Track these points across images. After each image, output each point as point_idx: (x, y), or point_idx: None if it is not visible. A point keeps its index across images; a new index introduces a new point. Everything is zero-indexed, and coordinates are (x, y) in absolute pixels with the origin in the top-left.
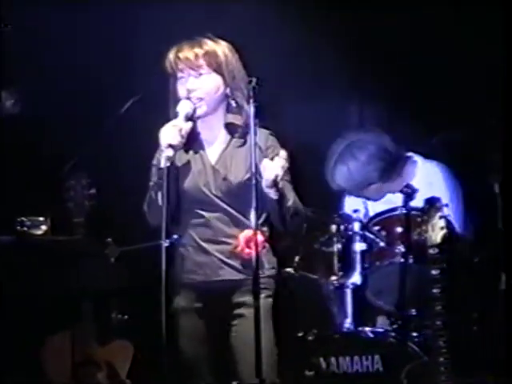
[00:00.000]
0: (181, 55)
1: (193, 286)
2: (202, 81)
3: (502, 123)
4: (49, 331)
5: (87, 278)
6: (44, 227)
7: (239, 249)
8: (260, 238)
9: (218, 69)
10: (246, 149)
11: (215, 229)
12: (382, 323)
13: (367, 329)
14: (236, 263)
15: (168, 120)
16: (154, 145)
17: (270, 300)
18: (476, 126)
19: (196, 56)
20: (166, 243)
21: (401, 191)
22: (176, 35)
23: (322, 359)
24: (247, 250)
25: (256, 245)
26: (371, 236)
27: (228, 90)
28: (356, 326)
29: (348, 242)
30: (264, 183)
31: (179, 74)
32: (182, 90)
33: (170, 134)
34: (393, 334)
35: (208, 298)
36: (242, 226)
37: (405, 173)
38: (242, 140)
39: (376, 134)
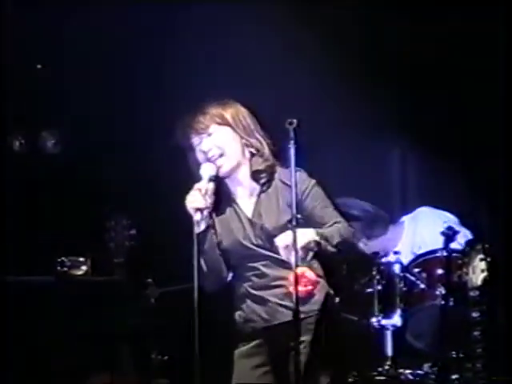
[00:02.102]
0: (188, 127)
1: (253, 333)
2: (213, 138)
3: None
4: (88, 372)
5: (127, 318)
6: (84, 267)
7: (292, 289)
8: (311, 274)
9: (224, 122)
10: (272, 190)
11: (266, 276)
12: None
13: (407, 371)
14: (291, 303)
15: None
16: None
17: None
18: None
19: (201, 122)
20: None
21: (442, 233)
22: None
23: None
24: (300, 289)
25: (296, 283)
26: (412, 278)
27: (244, 140)
28: (396, 368)
29: (388, 283)
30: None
31: (193, 142)
32: (200, 155)
33: (195, 198)
34: (433, 376)
35: (268, 342)
36: (290, 267)
37: (390, 231)
38: (268, 184)
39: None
